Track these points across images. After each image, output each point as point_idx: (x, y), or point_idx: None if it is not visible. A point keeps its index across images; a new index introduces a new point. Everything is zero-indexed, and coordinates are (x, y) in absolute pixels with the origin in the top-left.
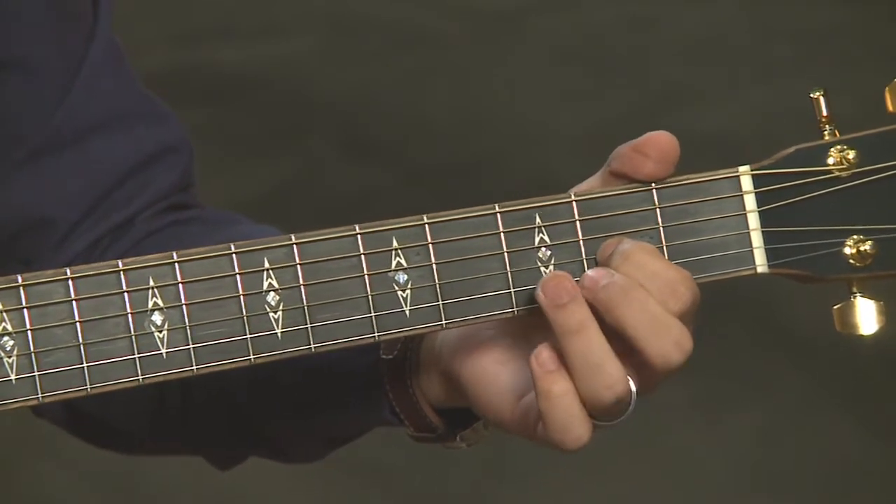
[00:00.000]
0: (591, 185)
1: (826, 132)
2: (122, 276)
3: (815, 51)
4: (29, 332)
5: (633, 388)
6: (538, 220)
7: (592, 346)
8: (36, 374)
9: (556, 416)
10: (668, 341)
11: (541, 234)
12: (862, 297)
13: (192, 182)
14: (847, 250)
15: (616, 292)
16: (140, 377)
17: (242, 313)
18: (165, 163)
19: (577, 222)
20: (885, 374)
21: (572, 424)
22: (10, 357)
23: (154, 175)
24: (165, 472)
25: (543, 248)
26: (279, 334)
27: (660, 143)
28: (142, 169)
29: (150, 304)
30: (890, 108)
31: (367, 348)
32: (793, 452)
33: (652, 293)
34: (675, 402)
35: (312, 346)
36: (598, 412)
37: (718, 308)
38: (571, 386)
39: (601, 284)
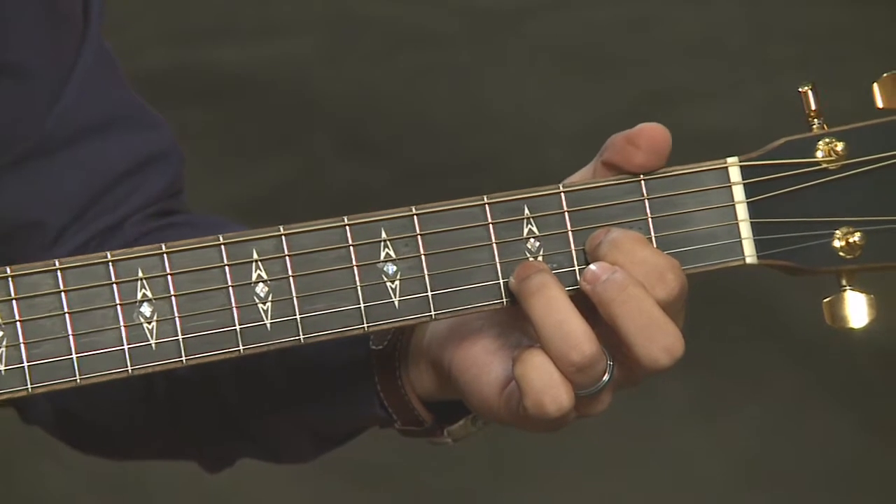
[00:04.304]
0: (582, 175)
1: (815, 125)
2: (111, 268)
3: (815, 51)
4: (18, 324)
5: (609, 358)
6: (527, 211)
7: (552, 302)
8: (25, 364)
9: (532, 381)
10: (658, 345)
11: (529, 226)
12: (852, 290)
13: (182, 188)
14: (836, 242)
15: (613, 288)
16: (129, 368)
17: (231, 304)
18: (156, 168)
19: (566, 213)
20: (884, 373)
21: (549, 386)
22: None
23: (144, 180)
24: (165, 472)
25: (532, 240)
26: (268, 325)
27: (652, 135)
28: (132, 174)
29: (139, 295)
30: (878, 103)
31: (357, 341)
32: (792, 451)
33: (640, 279)
34: (673, 400)
35: (301, 337)
36: (572, 378)
37: (717, 305)
38: (547, 357)
39: (601, 279)
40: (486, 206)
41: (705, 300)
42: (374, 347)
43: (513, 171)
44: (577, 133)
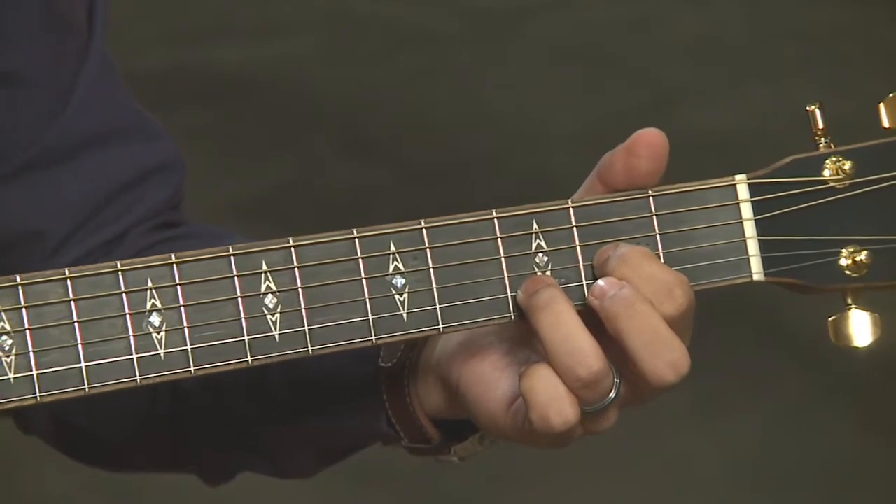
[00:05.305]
0: (580, 194)
1: (822, 144)
2: (121, 277)
3: (816, 51)
4: (27, 332)
5: (616, 375)
6: (535, 225)
7: (560, 317)
8: (34, 373)
9: (537, 395)
10: (664, 360)
11: (538, 240)
12: (857, 308)
13: (183, 199)
14: (843, 260)
15: (621, 303)
16: (138, 378)
17: (240, 315)
18: (159, 179)
19: (574, 228)
20: (885, 375)
21: (554, 399)
22: (8, 357)
23: (147, 191)
24: (167, 476)
25: (540, 254)
26: (277, 337)
27: (650, 141)
28: (135, 184)
29: (149, 305)
30: (884, 123)
31: (365, 358)
32: (793, 453)
33: (648, 295)
34: (675, 402)
35: (310, 348)
36: (578, 394)
37: (719, 309)
38: (554, 372)
39: (609, 295)
40: (495, 220)
41: (707, 302)
42: (382, 364)
43: (513, 171)
44: (577, 133)
